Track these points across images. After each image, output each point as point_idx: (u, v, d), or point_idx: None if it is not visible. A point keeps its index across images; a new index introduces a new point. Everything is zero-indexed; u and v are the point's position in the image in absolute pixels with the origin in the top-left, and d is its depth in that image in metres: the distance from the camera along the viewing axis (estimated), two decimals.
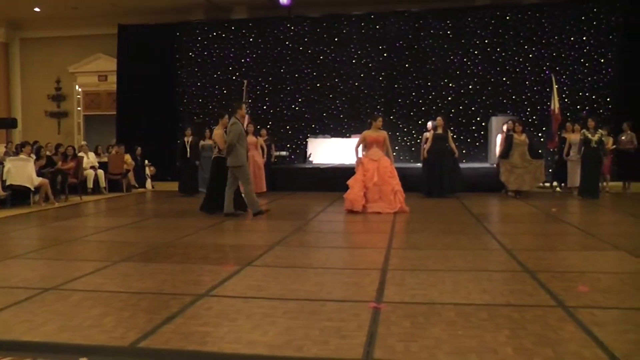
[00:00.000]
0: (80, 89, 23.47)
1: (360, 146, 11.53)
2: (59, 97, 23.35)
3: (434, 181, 13.68)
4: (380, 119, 11.46)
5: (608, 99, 18.03)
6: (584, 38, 18.15)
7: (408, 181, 12.73)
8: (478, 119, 18.85)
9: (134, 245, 7.61)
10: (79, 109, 23.49)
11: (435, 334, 3.93)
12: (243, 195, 10.68)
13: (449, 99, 19.10)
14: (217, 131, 11.00)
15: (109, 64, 22.11)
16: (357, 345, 3.75)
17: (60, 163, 14.39)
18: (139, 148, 17.74)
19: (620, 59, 17.78)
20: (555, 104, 15.60)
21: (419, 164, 15.07)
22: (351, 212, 10.93)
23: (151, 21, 20.79)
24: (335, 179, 14.08)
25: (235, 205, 10.61)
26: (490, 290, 5.12)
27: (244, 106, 10.64)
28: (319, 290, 5.16)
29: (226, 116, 10.89)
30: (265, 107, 20.16)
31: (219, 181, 10.72)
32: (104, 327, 4.14)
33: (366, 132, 11.44)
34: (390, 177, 11.11)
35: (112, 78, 22.03)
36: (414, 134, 19.01)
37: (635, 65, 17.25)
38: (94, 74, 23.18)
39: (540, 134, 17.61)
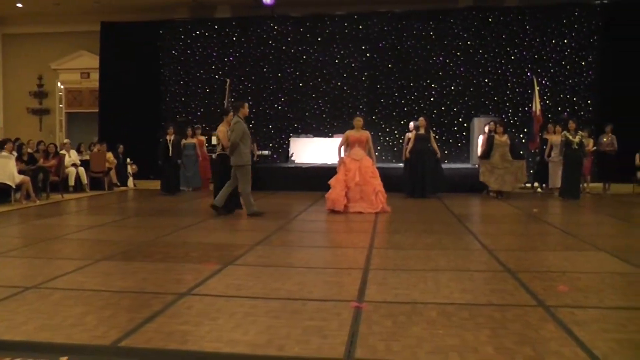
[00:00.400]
0: (62, 86, 23.28)
1: (343, 146, 11.54)
2: (41, 94, 23.14)
3: (416, 181, 13.72)
4: (359, 118, 11.47)
5: (589, 101, 18.19)
6: (565, 41, 18.29)
7: (390, 181, 12.76)
8: (460, 119, 18.94)
9: (116, 244, 7.57)
10: (61, 106, 23.31)
11: (416, 333, 3.95)
12: (240, 195, 10.66)
13: (431, 99, 19.18)
14: (221, 128, 10.95)
15: (92, 61, 21.94)
16: (338, 344, 3.75)
17: (41, 160, 14.29)
18: (121, 146, 17.66)
19: (601, 61, 17.94)
20: (536, 106, 15.69)
21: (401, 164, 15.11)
22: (333, 211, 10.95)
23: (134, 19, 20.67)
24: (318, 178, 14.07)
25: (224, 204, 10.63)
26: (471, 289, 5.15)
27: (246, 105, 10.62)
28: (301, 289, 5.17)
29: (231, 113, 10.83)
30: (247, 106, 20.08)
31: (223, 178, 10.71)
32: (85, 326, 4.12)
33: (349, 132, 11.46)
34: (371, 177, 11.13)
35: (95, 75, 21.84)
36: (396, 134, 19.06)
37: (615, 68, 17.42)
38: (77, 71, 23.00)
39: (522, 135, 17.72)
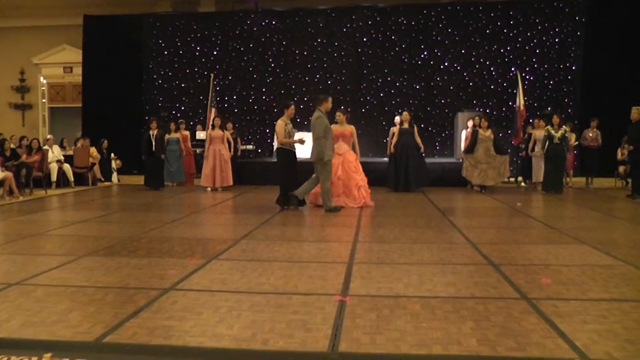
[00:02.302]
0: (45, 81, 23.13)
1: None
2: (23, 89, 22.97)
3: (400, 176, 13.76)
4: (339, 113, 11.53)
5: (572, 96, 18.31)
6: (549, 36, 18.40)
7: (374, 176, 12.79)
8: (444, 114, 19.00)
9: (100, 240, 7.55)
10: (43, 101, 23.15)
11: (400, 327, 3.97)
12: (321, 191, 10.63)
13: (416, 94, 19.23)
14: (280, 122, 10.87)
15: (74, 55, 21.80)
16: (322, 337, 3.78)
17: (24, 156, 14.19)
18: (105, 141, 17.57)
19: (585, 56, 18.05)
20: (520, 101, 15.76)
21: (386, 159, 15.14)
22: (316, 206, 10.99)
23: (117, 12, 20.57)
24: (302, 173, 14.06)
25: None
26: (455, 283, 5.18)
27: (330, 99, 10.64)
28: (285, 283, 5.18)
29: (292, 106, 10.88)
30: (231, 101, 20.10)
31: (284, 172, 10.84)
32: (69, 323, 4.11)
33: (333, 126, 11.48)
34: (354, 172, 11.18)
35: (78, 70, 21.69)
36: (380, 128, 19.07)
37: (599, 63, 17.55)
38: (59, 65, 22.83)
39: (508, 130, 17.77)
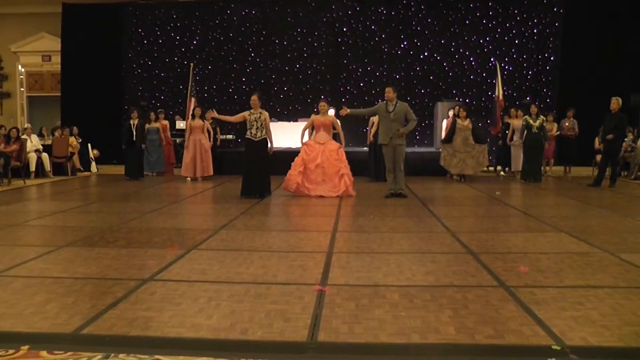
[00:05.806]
0: (23, 69, 22.85)
1: (307, 130, 11.60)
2: (1, 77, 22.67)
3: (380, 165, 13.77)
4: (323, 103, 11.51)
5: (551, 86, 18.44)
6: (528, 26, 18.52)
7: (355, 165, 12.80)
8: (424, 103, 19.04)
9: (78, 230, 7.50)
10: (22, 89, 22.90)
11: (379, 316, 3.99)
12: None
13: (395, 83, 19.22)
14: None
15: (53, 43, 21.59)
16: (301, 327, 3.78)
17: (2, 145, 14.03)
18: (75, 127, 17.31)
19: (563, 47, 18.18)
20: (499, 91, 15.84)
21: (366, 148, 15.17)
22: (296, 195, 11.03)
23: (96, 0, 20.36)
24: (282, 162, 14.04)
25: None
26: (433, 271, 5.21)
27: (387, 89, 10.95)
28: (264, 273, 5.18)
29: (253, 96, 11.30)
30: (211, 90, 20.03)
31: (244, 162, 11.04)
32: (47, 314, 4.08)
33: (314, 116, 11.51)
34: (336, 160, 11.16)
35: (56, 58, 21.50)
36: (359, 118, 19.05)
37: (577, 54, 17.68)
38: (38, 53, 22.56)
39: (488, 120, 17.86)
